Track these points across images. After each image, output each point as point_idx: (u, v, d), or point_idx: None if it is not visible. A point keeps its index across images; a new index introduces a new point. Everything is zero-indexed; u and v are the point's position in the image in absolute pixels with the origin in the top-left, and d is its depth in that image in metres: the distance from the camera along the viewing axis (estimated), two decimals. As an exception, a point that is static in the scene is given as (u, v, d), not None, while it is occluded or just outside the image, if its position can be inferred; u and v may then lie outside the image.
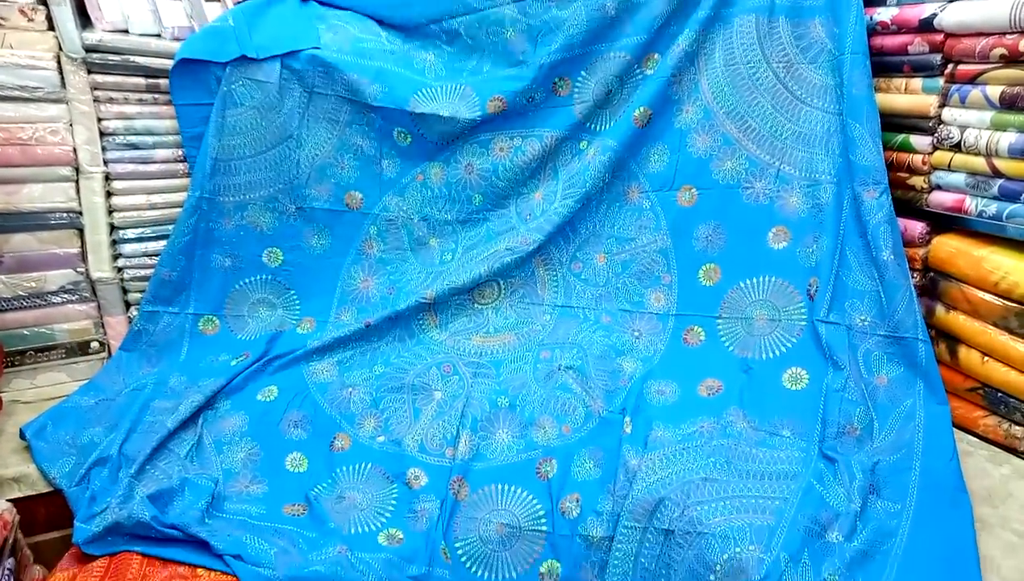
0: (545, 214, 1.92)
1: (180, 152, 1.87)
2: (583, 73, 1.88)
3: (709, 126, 1.81)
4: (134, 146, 1.82)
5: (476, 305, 1.97)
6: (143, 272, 1.87)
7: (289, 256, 1.96)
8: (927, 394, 1.53)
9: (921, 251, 1.65)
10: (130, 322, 1.88)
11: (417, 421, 1.70)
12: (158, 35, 1.79)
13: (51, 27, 1.69)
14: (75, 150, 1.74)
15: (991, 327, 1.52)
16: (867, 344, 1.61)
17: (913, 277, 1.62)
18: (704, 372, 1.72)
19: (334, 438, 1.69)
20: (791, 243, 1.75)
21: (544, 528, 1.44)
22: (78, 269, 1.80)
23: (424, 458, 1.62)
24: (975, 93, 1.50)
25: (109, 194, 1.82)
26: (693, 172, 1.84)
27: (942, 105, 1.58)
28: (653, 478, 1.42)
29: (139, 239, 1.87)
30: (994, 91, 1.47)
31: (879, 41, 1.67)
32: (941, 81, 1.57)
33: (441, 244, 2.02)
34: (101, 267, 1.82)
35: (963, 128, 1.54)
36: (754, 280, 1.78)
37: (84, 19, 1.73)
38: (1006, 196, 1.50)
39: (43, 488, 1.51)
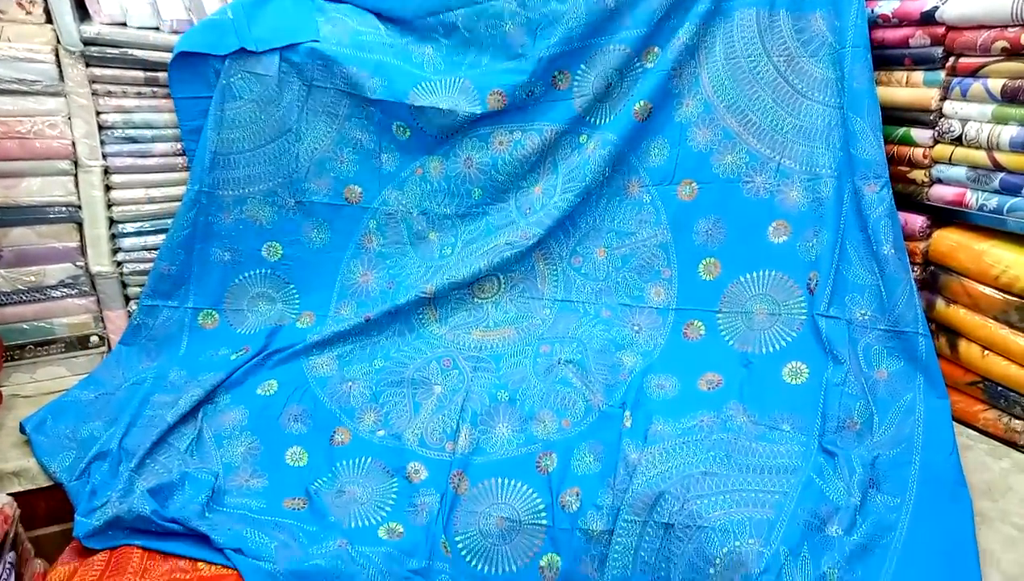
0: (545, 208, 1.92)
1: (179, 146, 1.86)
2: (583, 67, 1.88)
3: (709, 120, 1.81)
4: (133, 140, 1.82)
5: (476, 299, 1.97)
6: (142, 266, 1.87)
7: (288, 250, 1.95)
8: (927, 388, 1.53)
9: (922, 245, 1.65)
10: (130, 316, 1.88)
11: (417, 415, 1.70)
12: (156, 28, 1.78)
13: (49, 20, 1.68)
14: (73, 144, 1.74)
15: (991, 321, 1.52)
16: (867, 338, 1.61)
17: (913, 271, 1.62)
18: (704, 366, 1.72)
19: (334, 432, 1.69)
20: (791, 237, 1.75)
21: (544, 522, 1.45)
22: (77, 263, 1.80)
23: (424, 452, 1.62)
24: (976, 86, 1.50)
25: (108, 188, 1.82)
26: (693, 166, 1.84)
27: (943, 98, 1.58)
28: (653, 472, 1.42)
29: (138, 233, 1.86)
30: (995, 84, 1.47)
31: (880, 34, 1.67)
32: (942, 74, 1.57)
33: (441, 238, 2.02)
34: (100, 261, 1.82)
35: (964, 121, 1.54)
36: (754, 274, 1.78)
37: (82, 12, 1.72)
38: (1007, 190, 1.49)
39: (43, 482, 1.51)
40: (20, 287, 1.75)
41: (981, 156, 1.51)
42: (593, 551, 1.39)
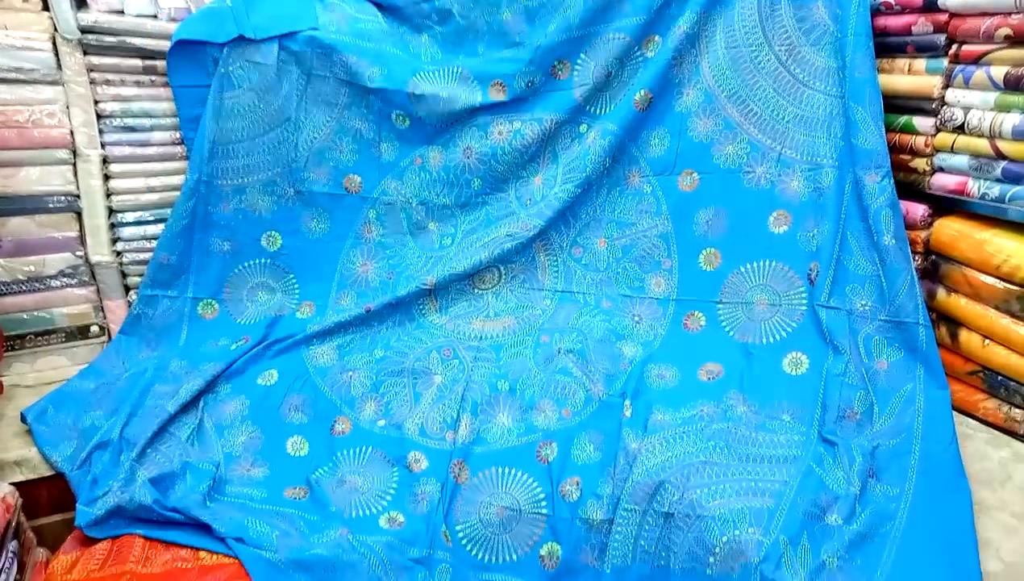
0: (545, 199, 1.91)
1: (178, 135, 1.86)
2: (583, 55, 1.86)
3: (710, 110, 1.80)
4: (131, 129, 1.81)
5: (476, 290, 1.96)
6: (142, 256, 1.87)
7: (288, 240, 1.95)
8: (927, 379, 1.53)
9: (923, 234, 1.65)
10: (130, 306, 1.88)
11: (417, 405, 1.71)
12: (154, 16, 1.77)
13: (46, 8, 1.67)
14: (72, 133, 1.73)
15: (992, 310, 1.52)
16: (867, 329, 1.61)
17: (915, 260, 1.61)
18: (704, 357, 1.72)
19: (335, 422, 1.69)
20: (792, 227, 1.74)
21: (544, 511, 1.45)
22: (77, 253, 1.80)
23: (424, 442, 1.62)
24: (979, 74, 1.49)
25: (107, 177, 1.81)
26: (694, 156, 1.83)
27: (946, 86, 1.57)
28: (653, 461, 1.42)
29: (138, 223, 1.86)
30: (998, 72, 1.46)
31: (883, 21, 1.65)
32: (945, 62, 1.56)
33: (440, 228, 2.01)
34: (100, 251, 1.82)
35: (967, 109, 1.53)
36: (755, 265, 1.77)
37: (79, 0, 1.71)
38: (1009, 178, 1.49)
39: (45, 471, 1.52)
40: (20, 277, 1.75)
41: (983, 144, 1.51)
42: (593, 540, 1.40)
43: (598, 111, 1.90)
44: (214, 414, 1.68)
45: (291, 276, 1.96)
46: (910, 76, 1.64)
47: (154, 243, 1.86)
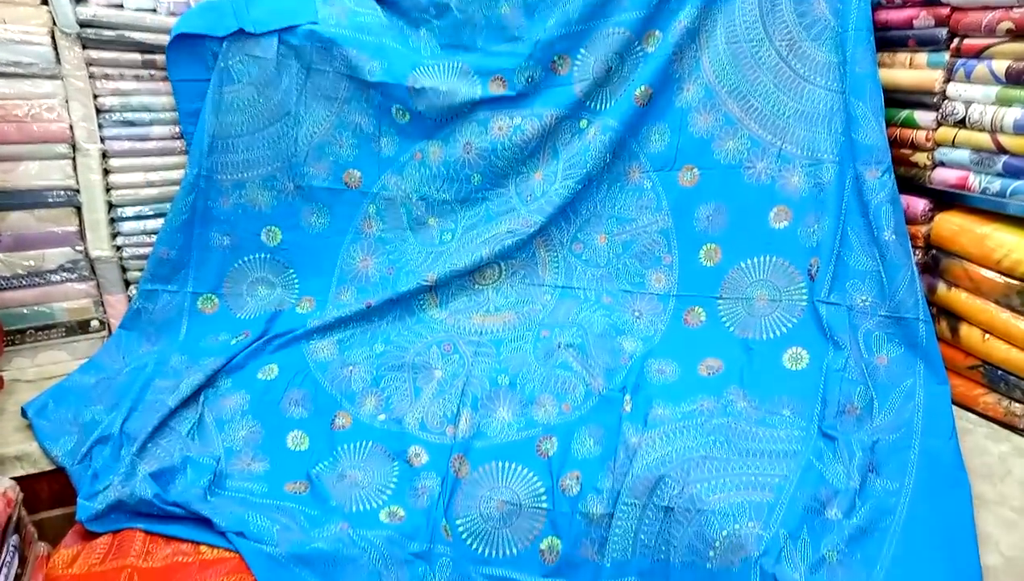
0: (546, 195, 1.91)
1: (177, 129, 1.85)
2: (582, 51, 1.86)
3: (711, 105, 1.80)
4: (131, 123, 1.81)
5: (476, 285, 1.96)
6: (142, 250, 1.87)
7: (288, 235, 1.95)
8: (927, 374, 1.53)
9: (924, 228, 1.65)
10: (130, 301, 1.88)
11: (418, 399, 1.71)
12: (153, 10, 1.77)
13: (44, 2, 1.67)
14: (71, 127, 1.73)
15: (993, 305, 1.52)
16: (868, 324, 1.61)
17: (915, 254, 1.61)
18: (704, 352, 1.72)
19: (335, 416, 1.69)
20: (792, 223, 1.74)
21: (544, 505, 1.45)
22: (77, 247, 1.79)
23: (425, 436, 1.62)
24: (981, 68, 1.48)
25: (106, 172, 1.81)
26: (694, 152, 1.83)
27: (947, 80, 1.56)
28: (653, 456, 1.42)
29: (137, 217, 1.86)
30: (1000, 66, 1.45)
31: (884, 15, 1.65)
32: (946, 56, 1.56)
33: (440, 224, 2.01)
34: (100, 245, 1.81)
35: (968, 104, 1.52)
36: (755, 260, 1.77)
37: (78, -7, 1.71)
38: (1010, 173, 1.49)
39: (46, 466, 1.52)
40: (20, 272, 1.75)
41: (984, 139, 1.50)
42: (593, 534, 1.40)
43: (598, 107, 1.89)
44: (214, 409, 1.68)
45: (291, 271, 1.96)
46: (911, 70, 1.63)
47: (154, 238, 1.85)
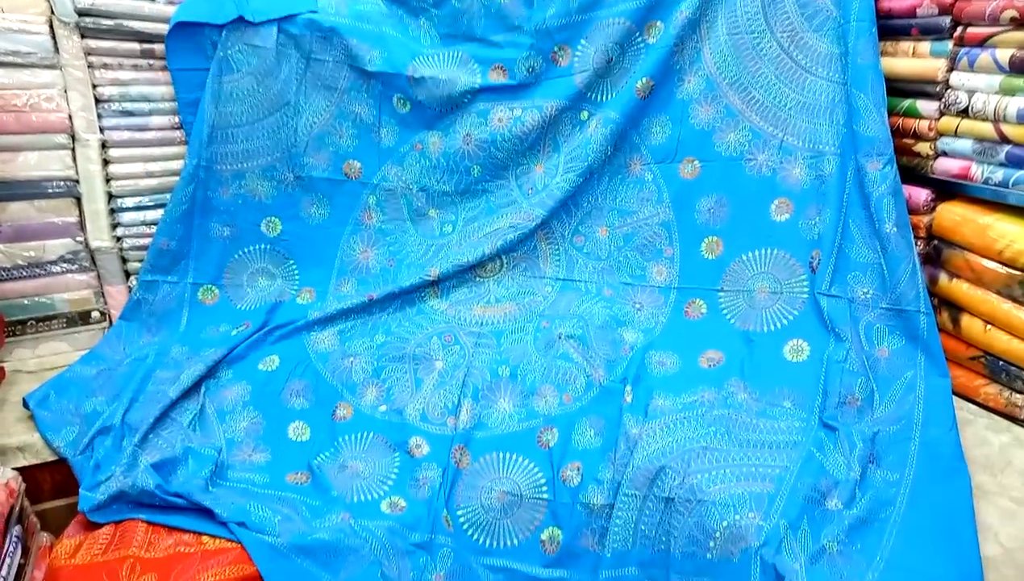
0: (547, 188, 1.91)
1: (176, 119, 1.85)
2: (583, 41, 1.85)
3: (712, 97, 1.79)
4: (130, 113, 1.80)
5: (477, 277, 1.96)
6: (142, 241, 1.87)
7: (288, 225, 1.95)
8: (928, 366, 1.53)
9: (925, 219, 1.64)
10: (130, 291, 1.88)
11: (419, 390, 1.71)
12: (152, -1, 1.76)
13: (42, -10, 1.66)
14: (70, 117, 1.72)
15: (994, 295, 1.51)
16: (869, 316, 1.60)
17: (917, 245, 1.61)
18: (705, 344, 1.72)
19: (336, 407, 1.69)
20: (794, 215, 1.73)
21: (545, 496, 1.45)
22: (77, 238, 1.79)
23: (426, 427, 1.62)
24: (984, 57, 1.47)
25: (106, 162, 1.80)
26: (695, 144, 1.82)
27: (950, 69, 1.55)
28: (653, 447, 1.42)
29: (137, 208, 1.85)
30: (1004, 55, 1.44)
31: (887, 4, 1.64)
32: (950, 44, 1.54)
33: (441, 215, 2.01)
34: (100, 236, 1.81)
35: (971, 93, 1.52)
36: (756, 253, 1.77)
37: (76, -17, 1.70)
38: (1013, 163, 1.48)
39: (48, 457, 1.52)
40: (20, 262, 1.74)
41: (987, 128, 1.50)
42: (594, 525, 1.40)
43: (599, 98, 1.88)
44: (215, 399, 1.68)
45: (291, 262, 1.96)
46: (914, 59, 1.62)
47: (154, 228, 1.85)
